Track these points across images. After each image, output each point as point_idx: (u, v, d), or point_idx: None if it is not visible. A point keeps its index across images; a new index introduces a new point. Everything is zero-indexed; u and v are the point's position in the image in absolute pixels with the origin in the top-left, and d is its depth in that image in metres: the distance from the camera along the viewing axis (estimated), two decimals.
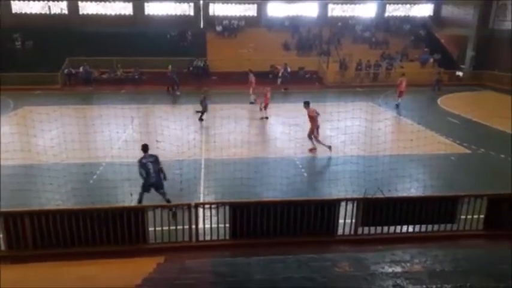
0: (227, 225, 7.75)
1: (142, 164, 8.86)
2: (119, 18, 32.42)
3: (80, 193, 9.58)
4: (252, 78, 22.86)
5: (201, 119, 17.62)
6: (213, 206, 7.83)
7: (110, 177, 10.58)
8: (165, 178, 9.16)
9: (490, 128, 17.39)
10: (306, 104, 13.97)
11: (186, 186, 9.71)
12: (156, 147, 11.90)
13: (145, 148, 9.11)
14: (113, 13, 32.61)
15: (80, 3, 32.13)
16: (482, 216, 8.15)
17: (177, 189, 9.41)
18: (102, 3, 32.32)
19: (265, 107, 18.54)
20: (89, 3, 32.24)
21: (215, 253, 7.35)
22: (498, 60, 28.81)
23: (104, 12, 32.50)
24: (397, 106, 21.11)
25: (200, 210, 7.77)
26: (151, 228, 7.59)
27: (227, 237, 7.76)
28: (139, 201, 8.86)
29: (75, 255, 7.11)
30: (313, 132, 13.70)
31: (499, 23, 29.76)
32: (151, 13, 33.17)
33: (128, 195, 9.16)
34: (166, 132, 12.18)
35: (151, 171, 8.87)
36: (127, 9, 32.84)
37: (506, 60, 27.92)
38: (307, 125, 13.94)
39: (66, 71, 26.94)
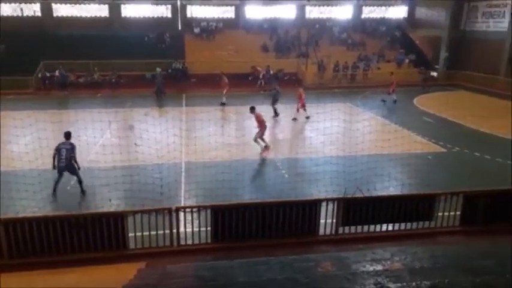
0: (209, 228, 7.71)
1: (57, 149, 10.07)
2: (95, 21, 31.85)
3: (57, 200, 9.36)
4: (226, 80, 22.76)
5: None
6: (194, 209, 7.78)
7: (88, 183, 10.38)
8: (78, 168, 10.34)
9: (464, 126, 17.89)
10: (252, 110, 14.20)
11: (167, 190, 9.61)
12: (135, 150, 11.76)
13: (66, 135, 10.31)
14: (88, 15, 32.02)
15: (53, 5, 31.41)
16: (458, 213, 8.36)
17: (158, 194, 9.30)
18: (77, 5, 31.70)
19: (303, 107, 18.60)
20: (63, 5, 31.56)
21: (197, 257, 7.30)
22: (470, 61, 29.68)
23: (78, 15, 31.86)
24: (395, 101, 22.64)
25: (181, 214, 7.70)
26: (131, 234, 7.47)
27: (209, 240, 7.72)
28: (55, 184, 10.10)
29: (53, 264, 6.93)
30: (261, 135, 13.88)
31: (470, 24, 30.68)
32: (128, 15, 32.74)
33: (107, 201, 9.01)
34: (145, 135, 12.02)
35: (63, 156, 9.97)
36: (103, 11, 32.30)
37: (478, 60, 28.80)
38: (286, 127, 14.02)
39: (40, 75, 26.29)
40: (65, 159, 9.98)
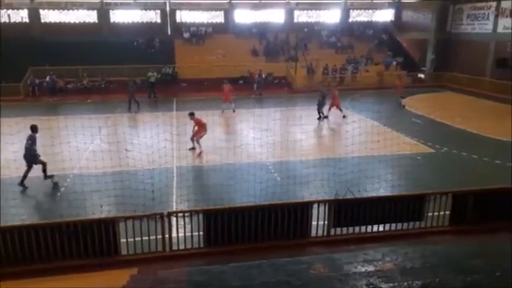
0: (201, 233, 7.70)
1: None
2: (84, 27, 31.71)
3: (47, 207, 9.28)
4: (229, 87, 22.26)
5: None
6: (186, 214, 7.76)
7: (78, 189, 10.29)
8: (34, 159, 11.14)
9: (452, 127, 18.14)
10: (191, 115, 14.59)
11: (158, 196, 9.58)
12: (125, 156, 11.70)
13: (32, 129, 11.27)
14: (77, 21, 31.86)
15: (41, 11, 31.20)
16: (448, 212, 8.47)
17: (149, 199, 9.27)
18: (65, 11, 31.50)
19: (339, 108, 19.12)
20: (51, 11, 31.35)
21: (190, 262, 7.27)
22: (456, 62, 30.14)
23: (67, 21, 31.69)
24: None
25: (173, 219, 7.68)
26: (123, 240, 7.43)
27: (201, 245, 7.70)
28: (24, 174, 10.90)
29: (44, 272, 6.86)
30: (196, 136, 14.38)
31: (456, 26, 31.18)
32: (117, 21, 32.65)
33: (98, 207, 8.95)
34: (136, 140, 12.00)
35: (25, 146, 11.03)
36: (91, 17, 32.17)
37: (464, 62, 29.26)
38: (278, 130, 14.07)
39: (29, 81, 26.03)
40: (25, 149, 11.03)
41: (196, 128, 14.45)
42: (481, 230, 8.05)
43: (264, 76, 27.79)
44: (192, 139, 14.50)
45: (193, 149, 14.46)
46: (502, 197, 8.53)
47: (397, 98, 23.03)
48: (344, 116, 18.95)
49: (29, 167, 11.04)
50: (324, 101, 19.30)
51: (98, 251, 7.26)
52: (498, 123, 18.47)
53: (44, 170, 11.11)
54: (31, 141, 11.08)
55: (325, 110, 19.09)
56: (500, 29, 27.06)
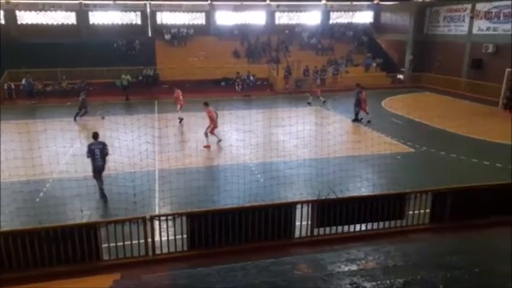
0: (185, 236, 7.65)
1: (90, 150, 10.22)
2: (62, 28, 31.18)
3: (25, 213, 9.04)
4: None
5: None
6: (169, 217, 7.70)
7: (58, 194, 10.10)
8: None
9: (430, 127, 18.52)
10: (206, 105, 15.35)
11: (141, 199, 9.47)
12: (106, 159, 11.51)
13: (95, 136, 10.50)
14: (55, 23, 31.27)
15: (17, 12, 30.49)
16: (428, 210, 8.65)
17: (131, 203, 9.15)
18: (43, 12, 30.86)
19: (365, 110, 19.33)
20: (27, 12, 30.67)
21: (174, 266, 7.22)
22: (434, 63, 30.79)
23: (45, 22, 31.10)
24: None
25: (156, 223, 7.61)
26: (104, 245, 7.32)
27: (185, 248, 7.66)
28: (100, 190, 10.23)
29: (24, 279, 6.69)
30: (210, 131, 14.98)
31: (432, 28, 31.87)
32: (96, 22, 32.20)
33: (79, 212, 8.79)
34: (116, 143, 11.81)
35: (98, 156, 10.17)
36: (70, 18, 31.64)
37: (441, 63, 29.92)
38: (261, 131, 14.11)
39: (6, 84, 25.37)
40: (100, 157, 10.22)
41: (209, 120, 15.04)
42: (459, 227, 8.25)
43: (252, 78, 27.88)
44: (206, 135, 15.00)
45: (207, 146, 14.84)
46: (480, 195, 8.77)
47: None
48: (368, 121, 19.18)
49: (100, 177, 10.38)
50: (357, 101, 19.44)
51: (80, 257, 7.14)
52: (474, 123, 18.98)
53: (102, 190, 10.42)
54: (103, 147, 10.35)
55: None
56: (475, 31, 27.80)
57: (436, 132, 17.74)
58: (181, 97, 19.90)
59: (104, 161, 10.33)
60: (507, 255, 4.56)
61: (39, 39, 28.41)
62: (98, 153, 10.23)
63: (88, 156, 10.29)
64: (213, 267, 5.18)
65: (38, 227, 7.25)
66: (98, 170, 10.32)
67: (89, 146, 10.38)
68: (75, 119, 19.31)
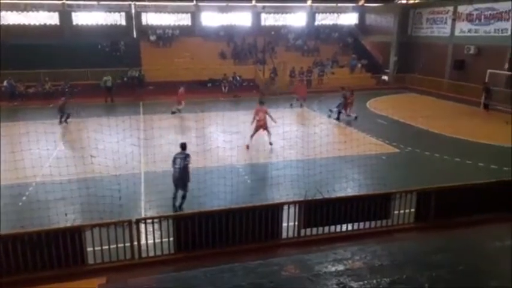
0: (171, 239, 7.60)
1: (173, 159, 9.96)
2: (45, 29, 30.64)
3: (8, 217, 8.84)
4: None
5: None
6: (155, 220, 7.64)
7: (42, 198, 9.91)
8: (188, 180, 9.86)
9: (415, 127, 18.79)
10: (261, 104, 15.52)
11: (126, 202, 9.38)
12: (90, 162, 11.37)
13: (182, 146, 10.20)
14: (38, 23, 30.74)
15: None
16: (413, 210, 8.76)
17: (116, 206, 9.05)
18: (25, 12, 30.30)
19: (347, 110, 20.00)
20: (9, 12, 30.07)
21: (160, 269, 7.16)
22: (417, 64, 31.25)
23: (27, 23, 30.51)
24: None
25: (142, 226, 7.53)
26: (89, 249, 7.22)
27: (172, 251, 7.61)
28: (173, 199, 9.79)
29: (8, 286, 6.56)
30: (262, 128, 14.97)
31: (416, 30, 32.36)
32: (79, 23, 31.77)
33: (63, 216, 8.64)
34: (101, 146, 11.67)
35: (177, 166, 9.76)
36: (53, 19, 31.15)
37: (424, 64, 30.38)
38: (248, 132, 14.09)
39: None
40: (179, 169, 9.76)
41: (263, 120, 14.98)
42: (443, 226, 8.38)
43: (238, 79, 27.85)
44: (267, 131, 14.96)
45: (270, 144, 14.87)
46: (463, 194, 8.93)
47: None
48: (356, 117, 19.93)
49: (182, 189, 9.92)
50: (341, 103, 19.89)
51: (64, 261, 7.03)
52: (457, 123, 19.32)
53: (184, 197, 9.90)
54: (184, 158, 9.93)
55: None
56: (457, 33, 28.32)
57: (420, 132, 17.99)
58: (183, 94, 20.80)
59: (181, 173, 9.75)
60: (490, 253, 4.65)
61: (22, 40, 27.87)
62: (178, 163, 9.83)
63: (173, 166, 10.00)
64: (200, 269, 5.15)
65: (20, 231, 7.11)
66: (175, 180, 9.88)
67: (175, 155, 10.07)
68: (60, 123, 18.97)
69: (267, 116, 15.04)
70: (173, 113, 20.81)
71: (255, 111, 15.23)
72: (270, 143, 14.88)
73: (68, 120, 19.37)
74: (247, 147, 14.72)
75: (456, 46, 28.16)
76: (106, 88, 25.24)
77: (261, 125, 14.94)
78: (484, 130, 18.20)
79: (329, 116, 20.32)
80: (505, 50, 24.41)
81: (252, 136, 14.84)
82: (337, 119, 19.91)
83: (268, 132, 15.03)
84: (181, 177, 9.78)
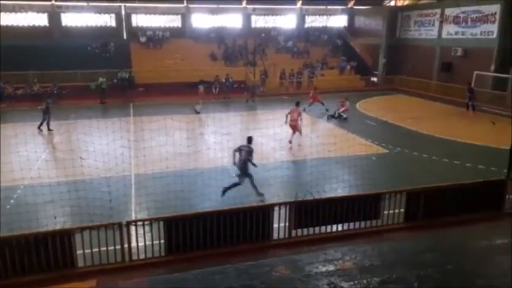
0: (162, 241, 7.57)
1: (238, 148, 10.65)
2: (34, 30, 30.31)
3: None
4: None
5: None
6: (146, 222, 7.60)
7: (30, 201, 9.80)
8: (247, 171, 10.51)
9: (403, 128, 18.98)
10: (297, 105, 15.86)
11: (116, 205, 9.32)
12: (80, 164, 11.26)
13: (248, 139, 10.89)
14: (26, 24, 30.40)
15: None
16: (402, 210, 8.85)
17: (107, 208, 8.98)
18: (13, 13, 29.94)
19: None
20: None
21: (151, 271, 7.13)
22: (405, 66, 31.61)
23: (15, 24, 30.18)
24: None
25: (132, 229, 7.49)
26: (79, 252, 7.16)
27: (163, 253, 7.58)
28: (228, 188, 10.56)
29: None
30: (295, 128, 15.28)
31: (404, 32, 32.75)
32: (69, 24, 31.51)
33: (52, 219, 8.55)
34: (91, 148, 11.57)
35: (241, 158, 10.47)
36: (42, 20, 30.85)
37: (412, 66, 30.77)
38: (239, 134, 14.09)
39: None
40: (240, 161, 10.54)
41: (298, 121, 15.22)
42: (432, 226, 8.49)
43: (231, 80, 27.87)
44: (299, 131, 15.18)
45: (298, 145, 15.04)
46: (451, 194, 9.05)
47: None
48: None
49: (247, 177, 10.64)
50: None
51: (53, 264, 6.95)
52: (445, 124, 19.58)
53: (254, 186, 10.61)
54: (248, 152, 10.62)
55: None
56: (444, 35, 28.72)
57: (409, 133, 18.18)
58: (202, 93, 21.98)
59: (243, 163, 10.54)
60: (477, 252, 4.73)
61: (10, 41, 27.49)
62: (242, 155, 10.58)
63: (234, 152, 10.74)
64: (191, 271, 5.16)
65: (8, 235, 7.03)
66: (240, 168, 10.63)
67: (240, 145, 10.81)
68: (39, 128, 17.70)
69: (299, 118, 15.32)
70: (197, 112, 21.48)
71: (289, 112, 15.45)
72: (290, 141, 15.10)
73: (50, 129, 18.09)
74: (291, 148, 14.98)
75: (443, 48, 28.55)
76: (101, 90, 25.01)
77: (292, 126, 15.16)
78: (471, 131, 18.46)
79: (331, 117, 20.89)
80: (491, 52, 24.83)
81: (290, 141, 15.07)
82: (333, 116, 20.70)
83: (300, 133, 15.33)
84: (242, 167, 10.54)
